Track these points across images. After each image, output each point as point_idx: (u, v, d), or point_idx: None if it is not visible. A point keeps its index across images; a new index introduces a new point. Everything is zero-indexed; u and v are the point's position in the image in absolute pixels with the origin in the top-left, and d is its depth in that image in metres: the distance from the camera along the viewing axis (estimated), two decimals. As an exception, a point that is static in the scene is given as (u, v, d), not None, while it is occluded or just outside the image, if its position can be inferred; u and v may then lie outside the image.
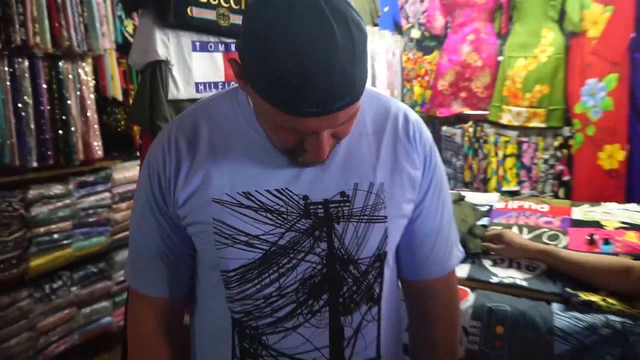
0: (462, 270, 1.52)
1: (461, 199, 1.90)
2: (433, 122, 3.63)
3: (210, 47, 1.76)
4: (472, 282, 1.49)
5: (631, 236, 1.65)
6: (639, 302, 1.34)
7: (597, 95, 3.07)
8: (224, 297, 0.89)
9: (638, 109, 3.03)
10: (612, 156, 3.08)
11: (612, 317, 1.31)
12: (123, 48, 3.12)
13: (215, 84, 1.78)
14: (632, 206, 1.97)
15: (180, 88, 1.63)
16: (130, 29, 3.16)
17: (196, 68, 1.68)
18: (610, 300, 1.35)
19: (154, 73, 1.55)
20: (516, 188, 3.32)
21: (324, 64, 0.67)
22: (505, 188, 3.30)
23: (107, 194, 3.01)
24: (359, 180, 0.88)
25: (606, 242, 1.61)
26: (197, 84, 1.70)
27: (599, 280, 1.39)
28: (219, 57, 1.80)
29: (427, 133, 0.98)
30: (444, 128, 3.57)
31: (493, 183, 3.32)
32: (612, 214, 1.85)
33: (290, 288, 0.86)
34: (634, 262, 1.35)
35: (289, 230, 0.85)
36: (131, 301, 1.00)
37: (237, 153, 0.87)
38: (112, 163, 3.06)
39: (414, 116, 0.97)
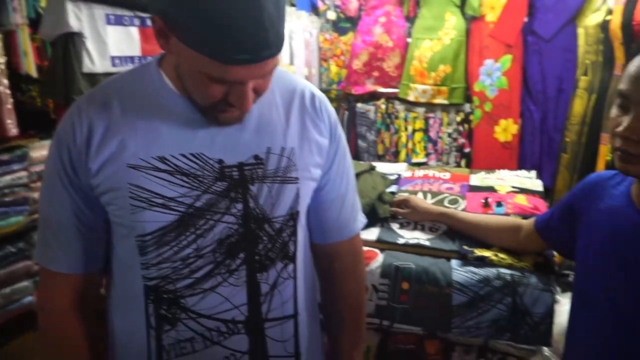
0: (372, 234, 1.57)
1: (372, 168, 1.94)
2: (349, 99, 3.66)
3: (126, 20, 1.67)
4: (381, 243, 1.53)
5: (521, 199, 1.75)
6: (527, 257, 1.44)
7: (494, 74, 3.21)
8: (137, 265, 0.87)
9: (529, 88, 3.20)
10: (507, 130, 3.25)
11: (503, 270, 1.39)
12: (36, 23, 2.90)
13: (132, 58, 1.71)
14: (522, 173, 2.09)
15: (95, 61, 1.54)
16: (43, 3, 2.94)
17: (111, 42, 1.60)
18: (501, 255, 1.44)
19: (67, 46, 1.45)
20: (424, 160, 3.44)
21: (255, 13, 0.68)
22: (414, 160, 3.41)
23: (23, 173, 2.82)
24: (271, 145, 0.89)
25: (499, 204, 1.70)
26: (113, 58, 1.61)
27: (492, 238, 1.48)
28: (134, 31, 1.72)
29: (331, 107, 1.02)
30: (359, 105, 3.62)
31: (403, 155, 3.42)
32: (504, 179, 1.96)
33: (207, 249, 0.86)
34: (523, 221, 1.44)
35: (205, 193, 0.85)
36: (42, 281, 0.94)
37: (150, 120, 0.85)
38: (29, 141, 2.86)
39: (319, 92, 1.00)
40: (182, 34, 0.72)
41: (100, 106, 0.86)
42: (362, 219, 1.12)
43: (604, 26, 2.56)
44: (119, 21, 1.65)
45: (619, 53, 2.46)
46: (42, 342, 0.94)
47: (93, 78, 1.56)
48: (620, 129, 0.90)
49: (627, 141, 0.90)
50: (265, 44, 0.72)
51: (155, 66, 0.89)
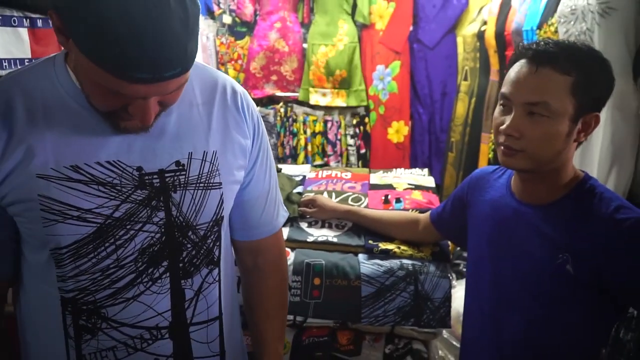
0: (283, 233, 1.60)
1: (278, 170, 1.98)
2: (247, 104, 3.69)
3: (14, 21, 1.56)
4: (292, 242, 1.57)
5: (417, 194, 1.88)
6: (425, 247, 1.55)
7: (385, 79, 3.40)
8: (53, 277, 0.82)
9: (417, 92, 3.43)
10: (399, 131, 3.45)
11: (405, 261, 1.49)
12: None
13: (22, 60, 1.59)
14: (416, 171, 2.23)
15: (-20, 64, 1.43)
16: None
17: (-1, 43, 1.49)
18: (403, 247, 1.54)
19: (-53, 47, 1.34)
20: (323, 162, 3.54)
21: (158, 30, 0.64)
22: (316, 162, 3.51)
23: None
24: (192, 149, 0.87)
25: (398, 200, 1.82)
26: (1, 60, 1.50)
27: (394, 232, 1.58)
28: (23, 32, 1.60)
29: (253, 104, 0.99)
30: (258, 109, 3.63)
31: (301, 158, 3.50)
32: (400, 177, 2.09)
33: (129, 259, 0.83)
34: (420, 214, 1.55)
35: (125, 202, 0.81)
36: None
37: (60, 125, 0.79)
38: None
39: (240, 88, 0.97)
40: (78, 40, 0.67)
41: (2, 109, 0.78)
42: (284, 213, 1.13)
43: (480, 35, 2.82)
44: (6, 22, 1.53)
45: (494, 60, 2.72)
46: None
47: (-22, 82, 1.45)
48: (503, 127, 1.01)
49: (509, 138, 1.00)
50: (168, 63, 0.67)
51: (61, 62, 0.81)
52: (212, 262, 0.92)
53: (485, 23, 2.80)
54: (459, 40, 3.20)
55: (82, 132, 0.80)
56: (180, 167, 0.85)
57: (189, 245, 0.88)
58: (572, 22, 1.67)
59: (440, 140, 3.38)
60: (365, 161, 3.50)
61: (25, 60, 1.61)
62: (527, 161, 1.01)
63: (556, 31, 1.80)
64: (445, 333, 1.59)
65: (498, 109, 1.06)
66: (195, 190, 0.87)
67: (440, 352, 1.54)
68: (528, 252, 1.06)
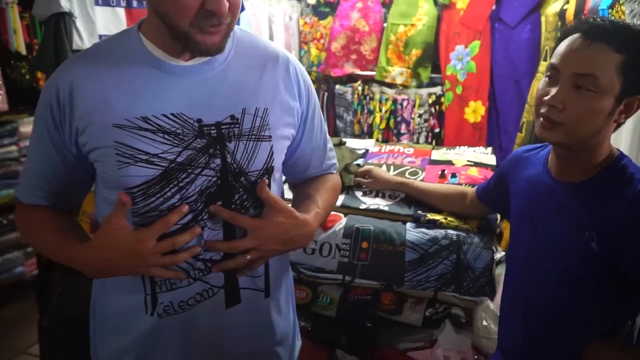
0: (338, 200, 1.71)
1: (342, 143, 2.08)
2: (328, 81, 3.78)
3: (112, 1, 1.78)
4: (345, 209, 1.68)
5: (473, 171, 1.91)
6: (472, 220, 1.60)
7: (464, 59, 3.36)
8: (128, 214, 0.92)
9: (495, 72, 3.36)
10: (476, 111, 3.40)
11: (450, 231, 1.55)
12: (25, 2, 2.97)
13: (118, 38, 1.82)
14: (480, 149, 2.25)
15: (84, 39, 1.65)
16: (32, -17, 3.01)
17: (99, 21, 1.71)
18: (450, 219, 1.60)
19: (58, 24, 1.56)
20: (395, 140, 3.58)
21: None
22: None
23: (14, 147, 2.92)
24: (246, 106, 0.97)
25: (453, 175, 1.86)
26: (100, 36, 1.72)
27: (442, 204, 1.63)
28: (120, 12, 1.82)
29: (306, 75, 1.10)
30: (337, 86, 3.74)
31: (376, 135, 3.57)
32: (462, 155, 2.11)
33: (190, 199, 0.94)
34: (469, 188, 1.60)
35: (186, 149, 0.92)
36: (20, 215, 1.05)
37: (132, 82, 0.91)
38: (18, 117, 2.96)
39: (295, 60, 1.09)
40: None
41: (84, 68, 0.92)
42: (336, 163, 1.27)
43: (562, 14, 2.71)
44: (106, 2, 1.75)
45: (574, 40, 2.59)
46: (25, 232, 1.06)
47: (82, 55, 1.68)
48: (547, 97, 1.03)
49: (552, 109, 1.02)
50: None
51: (135, 31, 0.95)
52: (260, 206, 1.01)
53: (567, 1, 2.69)
54: (542, 19, 3.08)
55: (150, 88, 0.92)
56: (235, 121, 0.95)
57: (240, 189, 0.98)
58: (637, 2, 1.60)
59: (515, 123, 3.30)
60: (439, 141, 3.50)
61: (122, 37, 1.83)
62: (565, 135, 1.02)
63: (628, 10, 1.73)
64: (491, 304, 1.63)
65: (543, 80, 1.07)
66: (248, 141, 0.97)
67: (484, 321, 1.58)
68: (557, 228, 1.09)
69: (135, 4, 1.88)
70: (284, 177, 1.17)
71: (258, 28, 3.11)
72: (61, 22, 1.59)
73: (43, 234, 1.01)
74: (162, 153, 0.91)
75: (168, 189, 0.92)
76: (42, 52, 1.59)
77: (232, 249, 0.98)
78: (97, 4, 1.71)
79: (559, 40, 1.07)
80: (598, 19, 1.01)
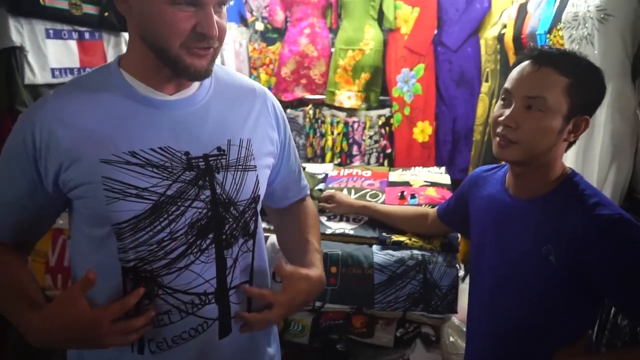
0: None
1: (302, 169, 2.10)
2: (278, 106, 3.83)
3: (64, 34, 1.74)
4: (312, 234, 1.69)
5: (431, 191, 1.97)
6: (436, 239, 1.65)
7: (410, 82, 3.48)
8: (113, 250, 0.92)
9: (441, 93, 3.50)
10: (424, 131, 3.53)
11: (415, 252, 1.59)
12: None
13: (71, 70, 1.77)
14: (434, 169, 2.33)
15: (36, 73, 1.60)
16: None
17: (51, 54, 1.66)
18: (414, 239, 1.64)
19: (9, 59, 1.51)
20: (348, 162, 3.65)
21: None
22: (337, 162, 3.61)
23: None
24: (230, 137, 0.99)
25: (413, 196, 1.92)
26: (52, 70, 1.68)
27: (405, 225, 1.68)
28: (72, 44, 1.78)
29: (279, 105, 1.16)
30: (289, 111, 3.77)
31: (329, 158, 3.62)
32: (418, 175, 2.18)
33: (180, 232, 0.94)
34: (429, 209, 1.65)
35: (176, 182, 0.93)
36: None
37: (117, 117, 0.91)
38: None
39: (269, 93, 1.14)
40: None
41: (65, 104, 0.91)
42: (306, 182, 1.32)
43: (500, 38, 2.87)
44: (58, 35, 1.71)
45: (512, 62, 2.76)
46: None
47: (34, 89, 1.62)
48: (502, 118, 1.11)
49: (506, 128, 1.10)
50: None
51: (115, 66, 0.96)
52: (247, 233, 1.04)
53: (505, 26, 2.85)
54: (482, 42, 3.25)
55: (136, 123, 0.92)
56: (221, 152, 0.98)
57: (230, 219, 0.99)
58: (574, 28, 1.73)
59: (465, 140, 3.44)
60: (390, 161, 3.59)
61: (75, 70, 1.79)
62: (520, 153, 1.10)
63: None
64: (456, 320, 1.68)
65: (498, 103, 1.16)
66: (235, 172, 0.99)
67: (451, 337, 1.62)
68: (518, 243, 1.15)
69: (87, 36, 1.85)
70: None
71: (209, 55, 3.10)
72: (12, 57, 1.53)
73: None
74: (151, 187, 0.91)
75: (158, 222, 0.92)
76: (-7, 88, 1.53)
77: (266, 323, 1.05)
78: (48, 37, 1.66)
79: (512, 67, 1.16)
80: (546, 47, 1.12)
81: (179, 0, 0.84)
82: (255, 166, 1.03)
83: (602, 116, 1.65)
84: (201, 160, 0.96)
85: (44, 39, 1.64)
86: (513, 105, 1.09)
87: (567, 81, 1.06)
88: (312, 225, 1.24)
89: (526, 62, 1.11)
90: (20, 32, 1.53)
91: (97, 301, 0.93)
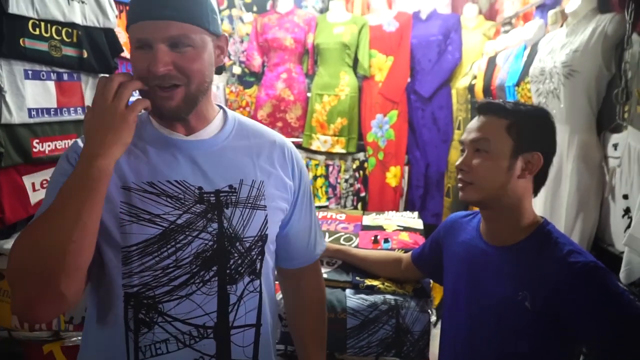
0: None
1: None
2: (254, 148, 3.87)
3: (43, 75, 1.75)
4: (285, 278, 1.69)
5: (404, 235, 2.00)
6: (408, 284, 1.67)
7: (384, 127, 3.58)
8: (119, 276, 0.95)
9: (415, 138, 3.60)
10: (396, 175, 3.60)
11: (388, 296, 1.59)
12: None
13: (48, 110, 1.78)
14: (407, 213, 2.36)
15: (13, 113, 1.60)
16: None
17: (29, 95, 1.67)
18: (387, 284, 1.65)
19: (-14, 99, 1.51)
20: (325, 203, 3.68)
21: None
22: (317, 204, 3.64)
23: None
24: (243, 177, 1.05)
25: (386, 240, 1.94)
26: (30, 110, 1.67)
27: (378, 269, 1.69)
28: (51, 85, 1.79)
29: (299, 158, 1.19)
30: (264, 153, 3.83)
31: (306, 200, 3.65)
32: (391, 219, 2.21)
33: (185, 260, 0.97)
34: (403, 254, 1.67)
35: (186, 213, 0.98)
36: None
37: (143, 153, 1.01)
38: None
39: (291, 145, 1.18)
40: (128, 20, 0.95)
41: None
42: (323, 244, 1.30)
43: (471, 88, 3.00)
44: (36, 76, 1.72)
45: (483, 111, 2.87)
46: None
47: (10, 128, 1.62)
48: (457, 162, 1.22)
49: (462, 172, 1.20)
50: (165, 3, 0.90)
51: (146, 114, 1.07)
52: (254, 272, 1.05)
53: (475, 77, 2.99)
54: (453, 92, 3.38)
55: (158, 159, 1.01)
56: (232, 190, 1.03)
57: (235, 254, 1.02)
58: (541, 82, 1.83)
59: (437, 186, 3.52)
60: (364, 204, 3.64)
61: (52, 110, 1.79)
62: (476, 192, 1.19)
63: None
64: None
65: (459, 155, 1.27)
66: (244, 208, 1.03)
67: (423, 384, 1.62)
68: (494, 289, 1.18)
69: (65, 77, 1.86)
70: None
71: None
72: (-11, 96, 1.54)
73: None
74: (163, 214, 0.97)
75: (165, 249, 0.96)
76: (-33, 126, 1.53)
77: None
78: (27, 77, 1.67)
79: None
80: (489, 100, 1.23)
81: (138, 44, 0.94)
82: (265, 206, 1.06)
83: (568, 168, 1.73)
84: (212, 195, 1.01)
85: (22, 79, 1.65)
86: (466, 152, 1.21)
87: (507, 122, 1.16)
88: (317, 321, 1.28)
89: (475, 117, 1.24)
90: (-2, 72, 1.54)
91: (102, 327, 0.98)
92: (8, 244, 1.66)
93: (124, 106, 0.92)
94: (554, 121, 1.20)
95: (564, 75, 1.72)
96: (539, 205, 1.80)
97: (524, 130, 1.16)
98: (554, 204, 1.78)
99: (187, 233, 0.98)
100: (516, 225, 1.19)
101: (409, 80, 3.54)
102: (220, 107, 1.15)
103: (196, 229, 0.98)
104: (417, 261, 1.55)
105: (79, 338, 1.72)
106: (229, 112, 1.15)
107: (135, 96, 1.01)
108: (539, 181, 1.22)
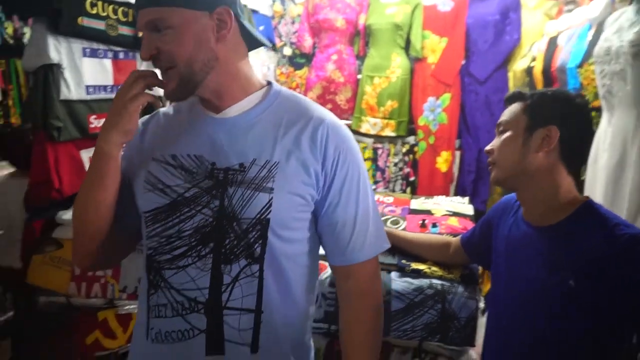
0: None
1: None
2: (303, 130, 3.88)
3: (100, 53, 1.81)
4: (330, 258, 1.70)
5: (453, 221, 1.96)
6: (456, 270, 1.64)
7: (436, 110, 3.50)
8: (145, 236, 1.06)
9: (467, 123, 3.50)
10: (447, 160, 3.53)
11: (434, 281, 1.57)
12: (2, 49, 2.97)
13: (105, 87, 1.84)
14: (457, 199, 2.31)
15: (71, 89, 1.67)
16: (10, 30, 3.02)
17: (87, 72, 1.73)
18: (434, 268, 1.62)
19: (47, 75, 1.58)
20: (372, 187, 3.66)
21: None
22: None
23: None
24: (257, 156, 1.01)
25: (434, 225, 1.91)
26: (87, 87, 1.74)
27: (426, 253, 1.67)
28: (107, 63, 1.85)
29: (337, 140, 1.05)
30: (312, 135, 3.83)
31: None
32: (440, 204, 2.17)
33: (186, 233, 1.01)
34: (452, 238, 1.64)
35: (195, 187, 1.01)
36: None
37: (179, 128, 1.09)
38: (-9, 162, 2.91)
39: (333, 125, 1.06)
40: None
41: (160, 115, 1.15)
42: (379, 244, 1.14)
43: (529, 71, 2.88)
44: (94, 54, 1.78)
45: (541, 95, 2.76)
46: None
47: (70, 104, 1.69)
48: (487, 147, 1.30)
49: (488, 154, 1.28)
50: None
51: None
52: (251, 256, 1.00)
53: (534, 59, 2.86)
54: (510, 74, 3.26)
55: (188, 133, 1.08)
56: (242, 169, 1.01)
57: (232, 235, 1.00)
58: (606, 63, 1.73)
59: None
60: (413, 188, 3.59)
61: (108, 87, 1.85)
62: (497, 171, 1.25)
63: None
64: (474, 354, 1.65)
65: None
66: (246, 189, 1.00)
67: (468, 372, 1.59)
68: (535, 271, 1.15)
69: (121, 55, 1.92)
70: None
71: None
72: (49, 73, 1.60)
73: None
74: (175, 186, 1.02)
75: (171, 219, 1.02)
76: (30, 102, 1.60)
77: None
78: (85, 55, 1.74)
79: None
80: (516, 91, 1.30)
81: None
82: (272, 189, 1.00)
83: (633, 154, 1.63)
84: (222, 172, 1.02)
85: (80, 57, 1.71)
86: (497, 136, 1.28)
87: (525, 103, 1.23)
88: (363, 333, 1.11)
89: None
90: (58, 50, 1.61)
91: (139, 279, 1.09)
92: (66, 214, 1.75)
93: (130, 97, 0.98)
94: (579, 102, 1.21)
95: (631, 55, 1.62)
96: (598, 192, 1.72)
97: (538, 107, 1.21)
98: (615, 191, 1.69)
99: (191, 206, 1.01)
100: (553, 204, 1.18)
101: (463, 62, 3.44)
102: (270, 82, 1.13)
103: (200, 204, 1.01)
104: (467, 245, 1.52)
105: (132, 306, 1.79)
106: (276, 88, 1.11)
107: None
108: (569, 158, 1.19)
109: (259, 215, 1.00)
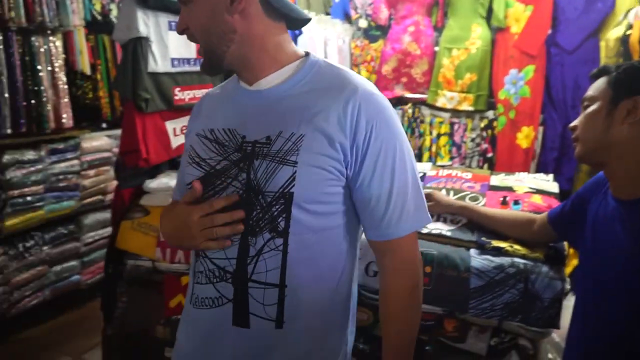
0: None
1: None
2: (377, 104, 3.83)
3: (184, 26, 1.86)
4: (407, 232, 1.68)
5: (536, 198, 1.88)
6: (539, 248, 1.57)
7: (518, 83, 3.34)
8: None
9: (552, 97, 3.32)
10: (528, 136, 3.37)
11: (516, 260, 1.52)
12: (91, 25, 3.13)
13: (188, 60, 1.90)
14: (540, 175, 2.21)
15: (158, 62, 1.73)
16: (98, 7, 3.17)
17: (172, 45, 1.79)
18: (516, 246, 1.57)
19: (136, 48, 1.65)
20: (448, 163, 3.57)
21: None
22: (439, 163, 3.55)
23: (76, 162, 3.06)
24: (283, 129, 1.00)
25: (516, 202, 1.83)
26: (172, 59, 1.80)
27: (508, 230, 1.61)
28: (190, 35, 1.90)
29: (370, 112, 1.00)
30: (386, 109, 3.77)
31: (425, 158, 3.57)
32: (522, 181, 2.08)
33: None
34: (536, 215, 1.57)
35: (225, 160, 1.04)
36: None
37: (221, 104, 1.13)
38: (80, 132, 3.10)
39: (363, 97, 1.01)
40: None
41: (214, 92, 1.20)
42: (418, 220, 1.08)
43: (624, 40, 2.67)
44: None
45: (638, 66, 2.56)
46: None
47: (155, 76, 1.75)
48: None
49: (572, 131, 1.28)
50: None
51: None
52: (275, 230, 0.99)
53: (630, 27, 2.65)
54: (602, 44, 3.04)
55: (224, 108, 1.11)
56: (268, 141, 1.01)
57: (258, 207, 1.00)
58: None
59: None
60: (491, 165, 3.47)
61: (191, 60, 1.91)
62: (580, 147, 1.24)
63: None
64: (556, 337, 1.59)
65: None
66: (271, 162, 0.99)
67: (549, 355, 1.54)
68: (620, 245, 1.12)
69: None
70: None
71: (314, 50, 3.17)
72: (138, 46, 1.67)
73: None
74: (208, 159, 1.06)
75: (206, 191, 1.05)
76: (120, 74, 1.68)
77: None
78: (170, 28, 1.79)
79: None
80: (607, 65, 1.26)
81: None
82: (295, 162, 0.97)
83: None
84: (250, 145, 1.03)
85: (166, 30, 1.77)
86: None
87: (611, 76, 1.20)
88: (399, 309, 1.08)
89: None
90: (146, 23, 1.67)
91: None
92: (153, 183, 1.83)
93: (197, 244, 1.05)
94: None
95: None
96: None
97: (624, 78, 1.18)
98: None
99: (222, 179, 1.03)
100: (637, 178, 1.15)
101: (549, 31, 3.24)
102: (307, 53, 1.09)
103: (230, 176, 1.03)
104: (556, 221, 1.45)
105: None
106: (312, 59, 1.07)
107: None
108: None
109: (282, 189, 0.98)
